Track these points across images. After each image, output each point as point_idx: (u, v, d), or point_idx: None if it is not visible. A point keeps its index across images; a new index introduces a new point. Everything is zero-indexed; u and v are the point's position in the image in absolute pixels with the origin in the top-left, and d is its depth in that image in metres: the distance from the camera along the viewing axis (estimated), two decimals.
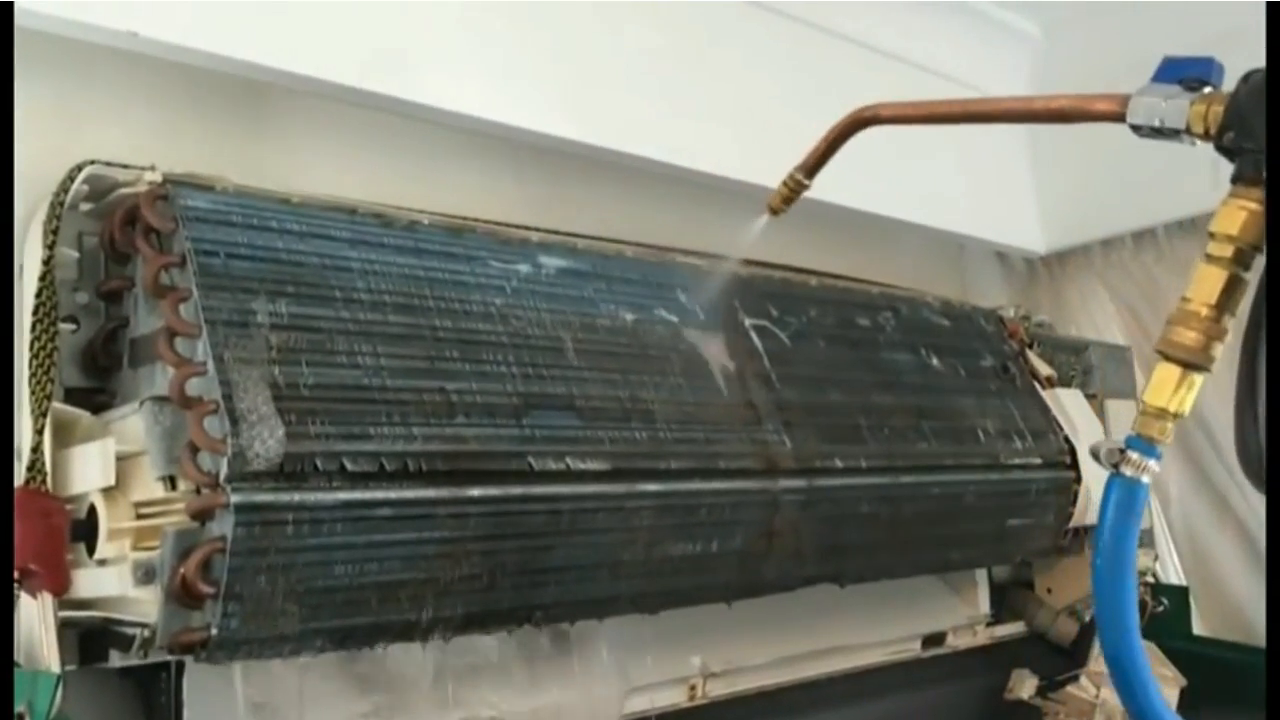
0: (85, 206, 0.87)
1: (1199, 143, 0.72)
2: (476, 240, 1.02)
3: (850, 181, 1.42)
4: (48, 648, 0.72)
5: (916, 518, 1.25)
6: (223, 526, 0.74)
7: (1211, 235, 0.68)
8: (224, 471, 0.74)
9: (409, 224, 0.97)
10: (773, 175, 1.35)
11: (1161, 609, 1.57)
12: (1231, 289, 0.68)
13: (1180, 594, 1.61)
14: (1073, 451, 1.43)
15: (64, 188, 0.83)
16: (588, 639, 1.08)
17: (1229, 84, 0.72)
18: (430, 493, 0.84)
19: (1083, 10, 1.66)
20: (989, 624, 1.55)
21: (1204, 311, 0.68)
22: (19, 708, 0.67)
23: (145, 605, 0.75)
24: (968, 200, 1.64)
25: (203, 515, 0.74)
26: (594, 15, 1.23)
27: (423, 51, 1.06)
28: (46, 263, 0.81)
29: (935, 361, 1.38)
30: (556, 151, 1.19)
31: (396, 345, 0.88)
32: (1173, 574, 1.75)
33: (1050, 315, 1.74)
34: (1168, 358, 0.68)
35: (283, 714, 0.91)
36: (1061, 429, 1.45)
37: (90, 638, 0.82)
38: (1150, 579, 1.61)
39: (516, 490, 0.89)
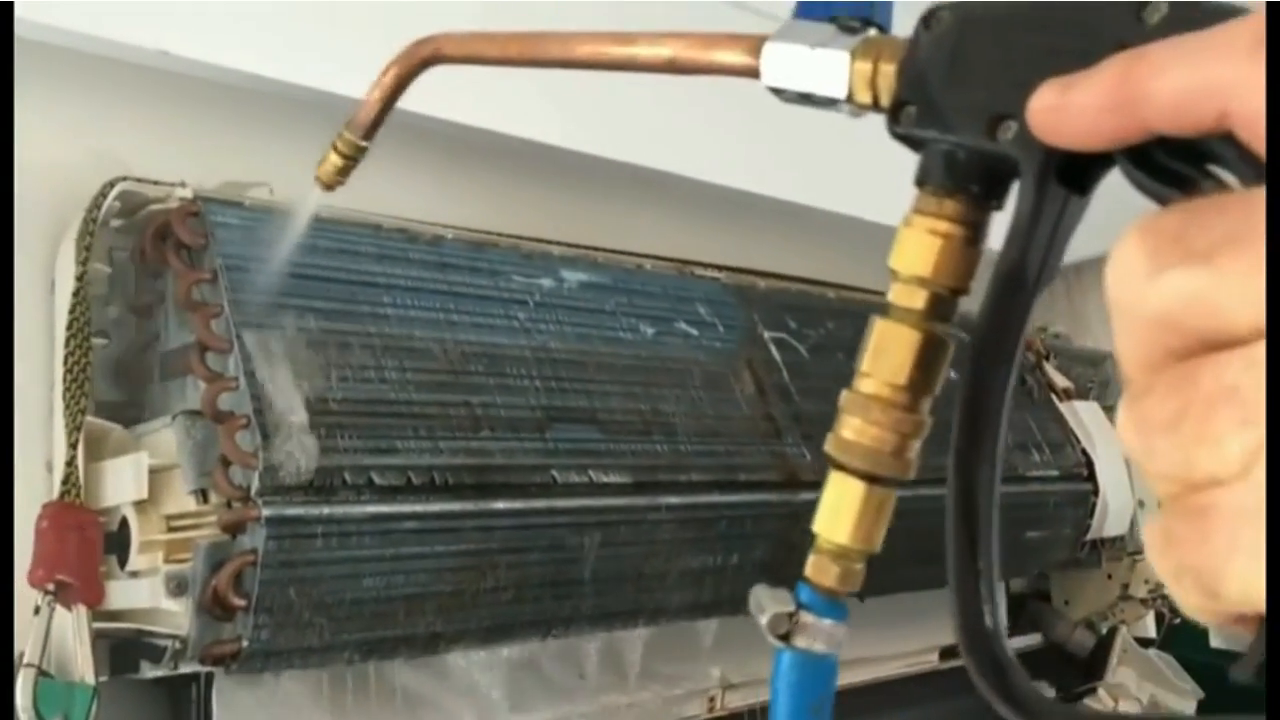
0: (117, 222, 0.88)
1: (865, 115, 0.44)
2: (500, 254, 1.03)
3: (867, 193, 1.44)
4: (82, 660, 0.73)
5: (934, 530, 1.25)
6: (254, 539, 0.75)
7: (893, 274, 0.41)
8: (255, 485, 0.75)
9: (433, 239, 0.98)
10: (790, 186, 1.38)
11: (1179, 621, 1.57)
12: (929, 357, 0.41)
13: None
14: (1090, 464, 1.43)
15: (96, 204, 0.84)
16: (607, 651, 1.09)
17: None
18: (456, 506, 0.85)
19: None
20: (1007, 635, 1.55)
21: (889, 395, 0.41)
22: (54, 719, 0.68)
23: (177, 617, 0.76)
24: None
25: (234, 528, 0.75)
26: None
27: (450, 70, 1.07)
28: (80, 278, 0.82)
29: (952, 374, 1.38)
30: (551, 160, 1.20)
31: (422, 359, 0.89)
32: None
33: (1067, 327, 1.74)
34: (842, 469, 0.43)
35: None
36: (1079, 441, 1.45)
37: (122, 649, 0.83)
38: (1168, 591, 1.61)
39: (540, 503, 0.90)
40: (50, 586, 0.73)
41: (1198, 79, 0.25)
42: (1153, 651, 1.57)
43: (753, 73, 0.46)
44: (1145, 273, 0.24)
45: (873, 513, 0.43)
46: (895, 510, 1.10)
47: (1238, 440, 0.23)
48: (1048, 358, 1.56)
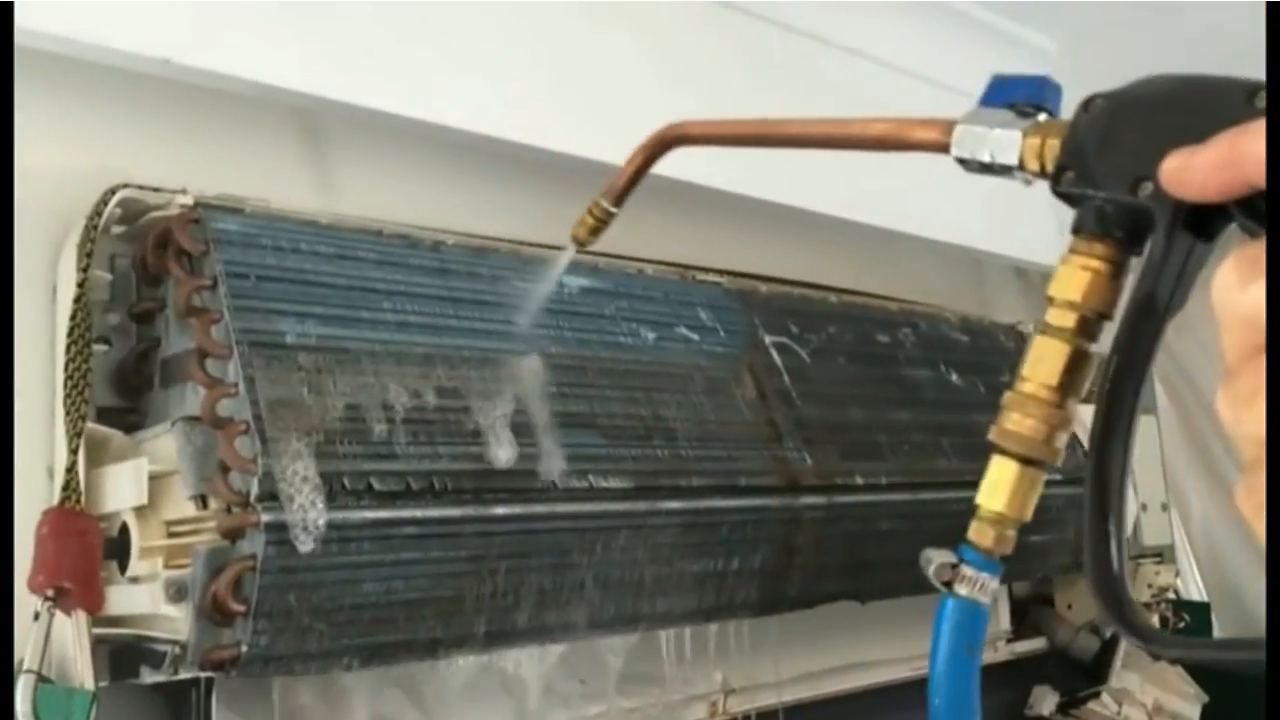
0: (118, 229, 0.89)
1: (1034, 181, 0.58)
2: (500, 260, 1.03)
3: (867, 197, 1.44)
4: (82, 665, 0.74)
5: (937, 534, 1.25)
6: (253, 545, 0.75)
7: (1050, 300, 0.55)
8: (255, 490, 0.75)
9: (434, 244, 0.99)
10: (791, 191, 1.37)
11: (1184, 625, 1.57)
12: (1076, 366, 0.54)
13: (1202, 610, 1.61)
14: None
15: (98, 211, 0.85)
16: (608, 656, 1.08)
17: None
18: (455, 511, 0.85)
19: (1099, 25, 1.66)
20: (1009, 640, 1.54)
21: (1043, 394, 0.54)
22: None
23: (176, 622, 0.76)
24: (986, 215, 1.64)
25: (234, 534, 0.75)
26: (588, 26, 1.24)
27: (462, 76, 1.07)
28: (81, 285, 0.82)
29: (955, 378, 1.38)
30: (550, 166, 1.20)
31: (423, 365, 0.89)
32: (1194, 590, 1.75)
33: None
34: (1001, 451, 0.54)
35: None
36: (1082, 445, 1.44)
37: (121, 654, 0.83)
38: (1172, 595, 1.61)
39: (540, 509, 0.90)
40: (50, 592, 0.73)
41: None
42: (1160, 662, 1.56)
43: (944, 148, 0.60)
44: (1237, 287, 0.34)
45: (1025, 488, 0.54)
46: (896, 514, 1.11)
47: None
48: None
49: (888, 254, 1.64)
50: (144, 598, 0.78)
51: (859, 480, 1.17)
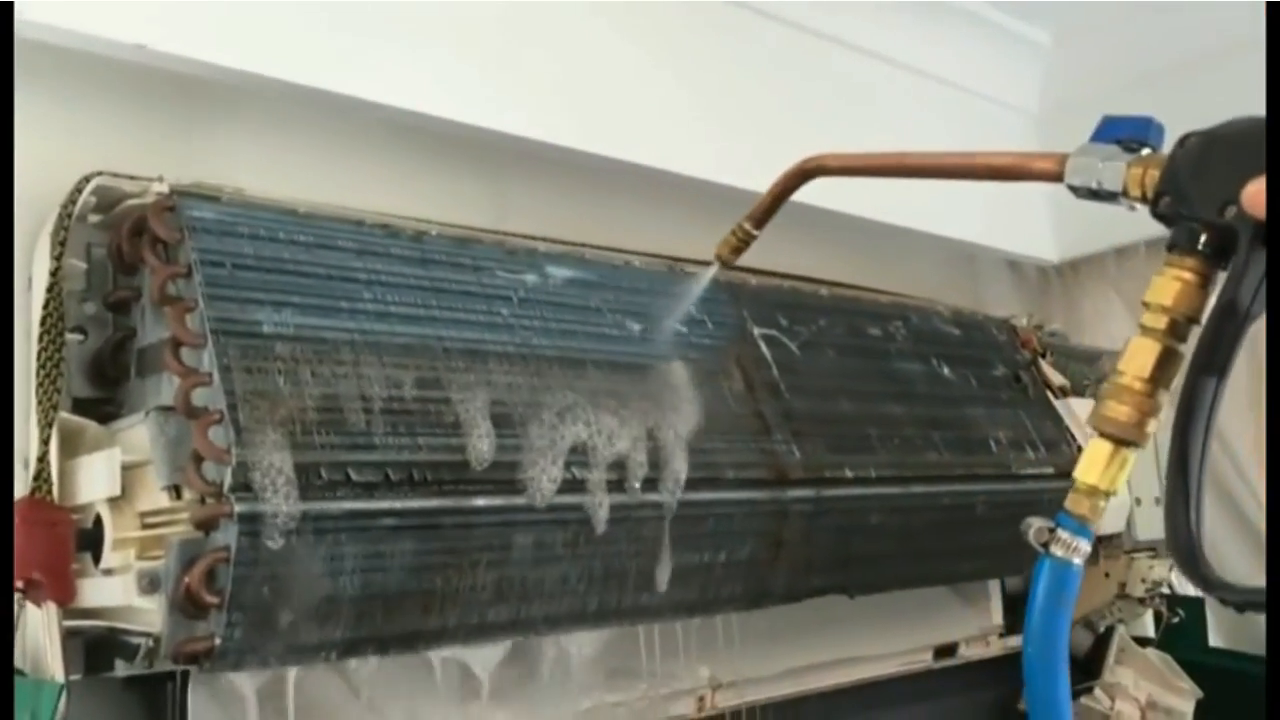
0: (93, 218, 0.88)
1: (1137, 206, 0.69)
2: (484, 250, 1.02)
3: (861, 190, 1.42)
4: (53, 657, 0.73)
5: (927, 528, 1.24)
6: (227, 536, 0.74)
7: (1145, 305, 0.66)
8: (228, 481, 0.74)
9: (416, 234, 0.98)
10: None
11: (1177, 620, 1.56)
12: (1165, 362, 0.65)
13: (1196, 605, 1.59)
14: None
15: (71, 199, 0.84)
16: (592, 650, 1.07)
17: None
18: (435, 503, 0.84)
19: (1094, 19, 1.65)
20: (1002, 635, 1.53)
21: (1137, 385, 0.65)
22: (23, 718, 0.67)
23: (150, 615, 0.75)
24: (980, 209, 1.63)
25: (207, 525, 0.74)
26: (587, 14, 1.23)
27: (426, 59, 1.06)
28: (54, 274, 0.82)
29: (946, 371, 1.37)
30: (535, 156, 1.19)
31: (402, 355, 0.88)
32: (1189, 585, 1.74)
33: (1063, 324, 1.73)
34: (1101, 434, 0.66)
35: None
36: (1075, 439, 1.44)
37: (95, 647, 0.82)
38: (1166, 590, 1.59)
39: (521, 500, 0.89)
40: (20, 584, 0.72)
41: None
42: (1151, 650, 1.55)
43: (1059, 178, 0.72)
44: None
45: (1117, 465, 0.66)
46: (886, 508, 1.16)
47: None
48: (1044, 355, 1.55)
49: (881, 247, 1.63)
50: (117, 590, 0.77)
51: (848, 473, 1.16)
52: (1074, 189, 0.71)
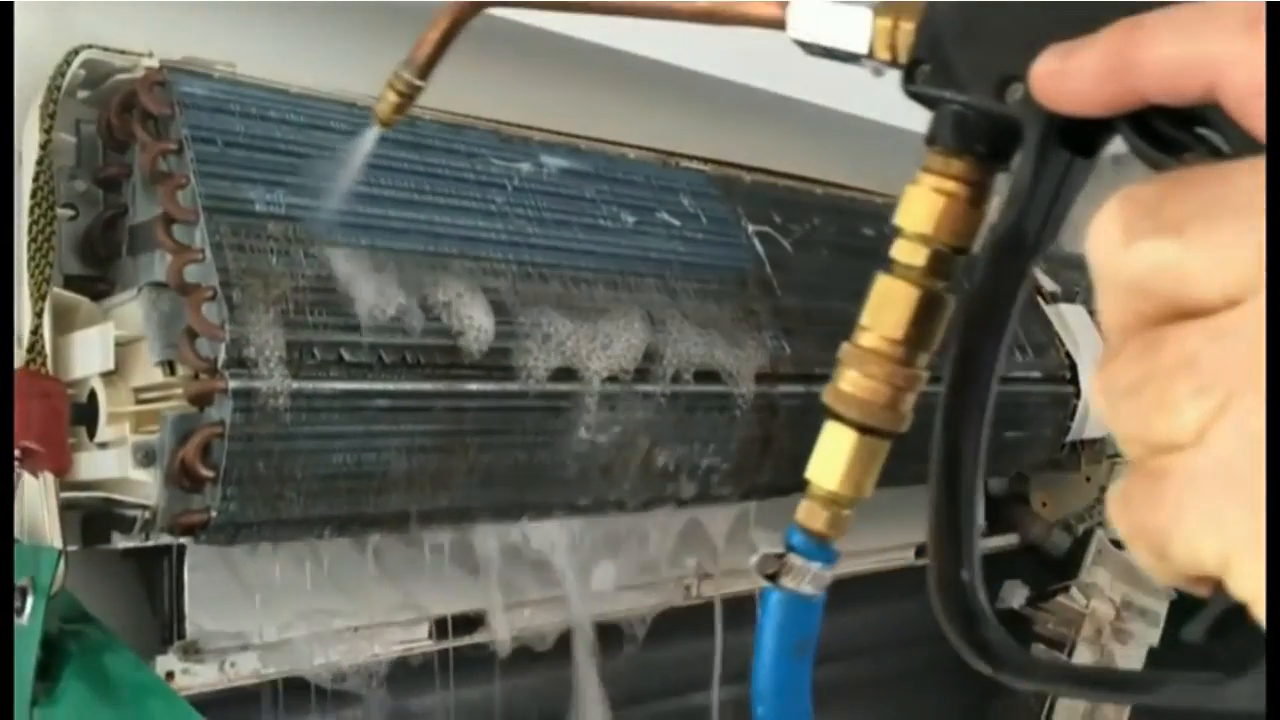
0: (83, 93, 0.86)
1: (885, 73, 0.45)
2: (478, 137, 1.01)
3: (859, 88, 1.41)
4: (50, 525, 0.74)
5: (914, 428, 1.24)
6: (221, 411, 0.74)
7: (897, 231, 0.43)
8: (222, 357, 0.74)
9: (409, 119, 0.96)
10: (781, 79, 1.35)
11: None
12: (927, 315, 0.42)
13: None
14: (1073, 367, 1.43)
15: (60, 72, 0.82)
16: (580, 539, 1.09)
17: None
18: (427, 385, 0.85)
19: None
20: (983, 535, 1.56)
21: (886, 349, 0.43)
22: (21, 581, 0.69)
23: (146, 487, 0.77)
24: None
25: (202, 400, 0.75)
26: None
27: None
28: (44, 147, 0.81)
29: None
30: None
31: (395, 239, 0.88)
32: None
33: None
34: (838, 418, 0.44)
35: (281, 599, 0.93)
36: (1063, 344, 1.45)
37: (92, 521, 0.83)
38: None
39: (513, 386, 0.90)
40: (16, 454, 0.73)
41: (1189, 51, 0.26)
42: (1127, 553, 1.58)
43: (779, 24, 0.47)
44: (1121, 241, 0.25)
45: (864, 462, 0.45)
46: None
47: (1194, 408, 0.24)
48: None
49: (872, 147, 1.61)
50: (112, 463, 0.78)
51: None
52: (803, 45, 0.46)
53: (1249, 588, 0.23)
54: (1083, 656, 1.53)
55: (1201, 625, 0.27)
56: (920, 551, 1.48)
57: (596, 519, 1.06)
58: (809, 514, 0.46)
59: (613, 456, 0.99)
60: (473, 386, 0.87)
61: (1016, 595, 1.50)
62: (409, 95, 0.73)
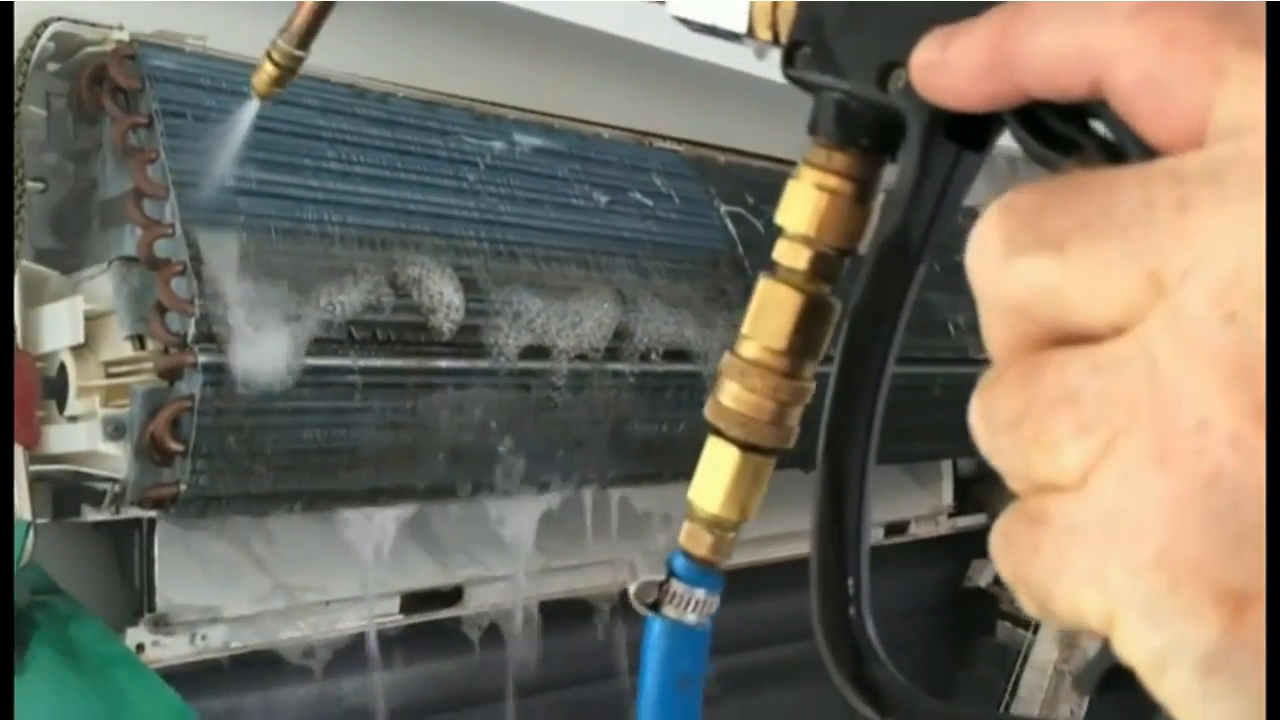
0: (53, 66, 0.86)
1: (767, 55, 0.41)
2: (451, 114, 1.01)
3: None
4: (20, 498, 0.74)
5: (884, 408, 1.27)
6: (191, 386, 0.75)
7: (779, 231, 0.39)
8: (191, 332, 0.75)
9: (382, 95, 0.97)
10: (754, 60, 1.35)
11: None
12: (812, 322, 0.39)
13: None
14: None
15: (30, 44, 0.82)
16: (551, 515, 1.10)
17: None
18: (398, 362, 0.85)
19: None
20: (951, 515, 1.58)
21: (770, 360, 0.39)
22: None
23: (115, 460, 0.77)
24: None
25: (171, 374, 0.76)
26: None
27: None
28: (12, 119, 0.80)
29: None
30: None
31: (367, 216, 0.89)
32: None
33: None
34: (717, 433, 0.40)
35: (254, 573, 0.93)
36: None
37: (63, 494, 0.84)
38: None
39: (483, 364, 0.90)
40: None
41: (1072, 42, 0.23)
42: None
43: (658, 1, 0.43)
44: (1001, 255, 0.22)
45: (748, 482, 0.40)
46: None
47: (1074, 448, 0.21)
48: None
49: None
50: (82, 436, 0.78)
51: None
52: (684, 22, 0.43)
53: (1136, 653, 0.20)
54: (1048, 634, 1.55)
55: (1093, 675, 0.24)
56: (889, 531, 1.50)
57: (568, 496, 1.08)
58: (692, 538, 0.41)
59: (580, 434, 1.00)
60: (443, 364, 0.88)
61: (984, 574, 1.52)
62: (289, 67, 0.68)
